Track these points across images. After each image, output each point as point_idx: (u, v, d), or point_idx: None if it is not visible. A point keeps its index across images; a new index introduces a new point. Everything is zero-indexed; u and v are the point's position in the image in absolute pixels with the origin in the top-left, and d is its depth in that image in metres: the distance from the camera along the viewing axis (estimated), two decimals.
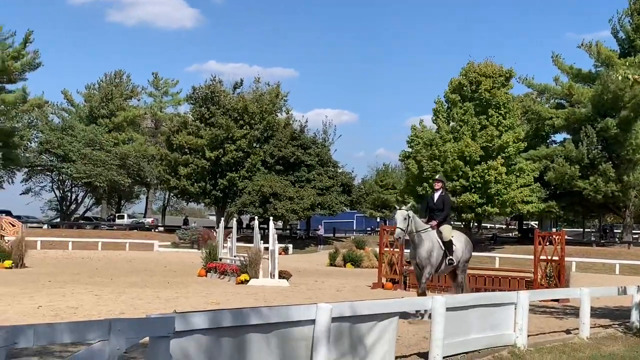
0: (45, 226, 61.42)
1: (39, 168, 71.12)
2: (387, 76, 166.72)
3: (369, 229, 79.38)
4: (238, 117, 61.46)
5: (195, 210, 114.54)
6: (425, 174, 49.90)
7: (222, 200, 63.32)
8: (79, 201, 77.74)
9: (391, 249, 22.83)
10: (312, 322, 7.00)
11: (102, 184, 67.59)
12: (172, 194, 74.31)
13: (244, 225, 64.81)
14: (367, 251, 39.39)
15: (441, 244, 13.71)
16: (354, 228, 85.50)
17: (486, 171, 48.25)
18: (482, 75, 51.30)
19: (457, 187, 49.05)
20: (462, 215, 51.24)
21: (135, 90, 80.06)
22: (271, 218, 26.75)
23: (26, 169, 70.27)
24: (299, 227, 72.61)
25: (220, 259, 26.54)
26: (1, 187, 69.16)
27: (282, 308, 6.99)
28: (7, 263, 27.12)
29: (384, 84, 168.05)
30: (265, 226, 44.06)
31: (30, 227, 46.87)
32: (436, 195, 14.37)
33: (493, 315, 10.02)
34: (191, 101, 66.69)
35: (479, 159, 48.78)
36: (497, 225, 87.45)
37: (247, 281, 22.23)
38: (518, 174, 51.04)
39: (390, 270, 22.66)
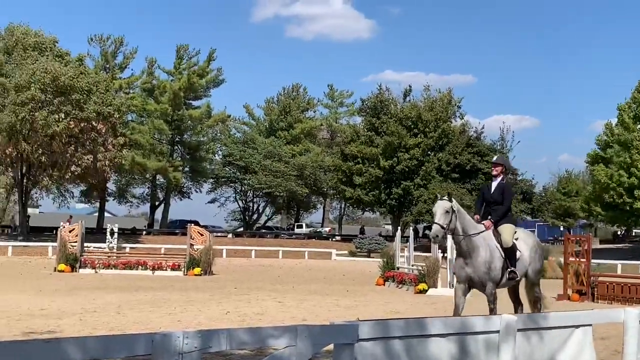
0: (229, 235, 64.32)
1: (223, 179, 74.74)
2: (571, 79, 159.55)
3: (551, 238, 76.40)
4: (412, 126, 61.30)
5: (371, 219, 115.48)
6: (613, 181, 47.32)
7: (397, 209, 63.34)
8: (260, 211, 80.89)
9: (577, 259, 21.76)
10: (497, 332, 6.79)
11: (282, 194, 69.92)
12: (347, 204, 75.39)
13: (420, 234, 64.48)
14: (550, 261, 37.78)
15: (501, 251, 10.28)
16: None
17: None
18: None
19: None
20: None
21: (312, 102, 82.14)
22: None
23: (211, 181, 74.10)
24: None
25: (398, 268, 26.51)
26: (189, 198, 73.60)
27: (465, 318, 6.82)
28: (197, 270, 28.63)
29: (567, 87, 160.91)
30: None
31: (216, 236, 49.19)
32: (494, 184, 10.85)
33: None
34: (362, 113, 67.50)
35: None
36: None
37: (426, 290, 22.04)
38: None
39: (577, 282, 21.58)
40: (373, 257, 45.63)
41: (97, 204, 68.64)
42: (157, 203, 71.49)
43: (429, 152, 61.91)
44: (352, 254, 53.21)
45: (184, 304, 16.39)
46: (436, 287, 22.25)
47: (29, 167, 48.76)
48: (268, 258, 47.55)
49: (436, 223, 9.86)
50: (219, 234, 60.90)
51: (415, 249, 30.08)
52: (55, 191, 55.98)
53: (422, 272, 22.88)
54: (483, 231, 10.22)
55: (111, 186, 65.45)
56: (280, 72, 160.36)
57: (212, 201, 77.08)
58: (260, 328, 5.41)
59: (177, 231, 58.14)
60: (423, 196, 58.44)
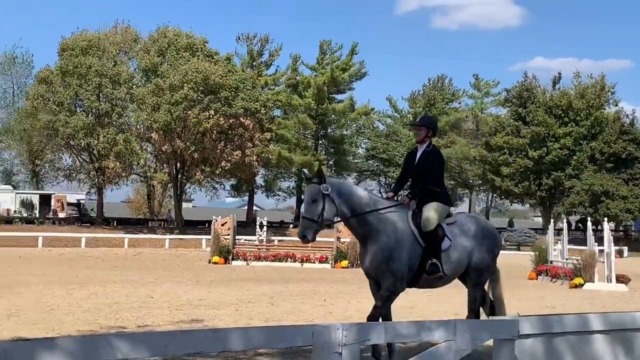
0: None
1: (366, 173, 74.99)
2: None
3: None
4: (562, 114, 59.19)
5: (519, 211, 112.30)
6: None
7: (547, 201, 61.42)
8: None
9: None
10: None
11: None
12: (495, 194, 73.74)
13: (573, 227, 62.09)
14: None
15: (417, 234, 7.64)
16: None
17: None
18: None
19: None
20: None
21: (457, 94, 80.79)
22: (605, 219, 25.31)
23: (355, 174, 74.56)
24: (634, 228, 67.77)
25: (551, 262, 25.64)
26: None
27: (630, 314, 6.47)
28: (344, 263, 28.98)
29: None
30: (595, 227, 41.86)
31: None
32: (418, 153, 8.19)
33: None
34: (507, 104, 65.92)
35: None
36: None
37: (582, 285, 21.16)
38: None
39: None
40: (523, 251, 44.37)
41: (246, 198, 70.79)
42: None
43: (580, 141, 59.57)
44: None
45: (334, 296, 16.58)
46: (593, 282, 21.30)
47: (183, 163, 51.06)
48: None
49: (304, 217, 7.48)
50: None
51: (569, 242, 28.98)
52: (207, 185, 58.20)
53: (578, 265, 22.00)
54: (390, 207, 7.72)
55: (259, 180, 67.30)
56: (425, 64, 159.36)
57: None
58: (417, 322, 5.35)
59: None
60: (575, 187, 56.30)
